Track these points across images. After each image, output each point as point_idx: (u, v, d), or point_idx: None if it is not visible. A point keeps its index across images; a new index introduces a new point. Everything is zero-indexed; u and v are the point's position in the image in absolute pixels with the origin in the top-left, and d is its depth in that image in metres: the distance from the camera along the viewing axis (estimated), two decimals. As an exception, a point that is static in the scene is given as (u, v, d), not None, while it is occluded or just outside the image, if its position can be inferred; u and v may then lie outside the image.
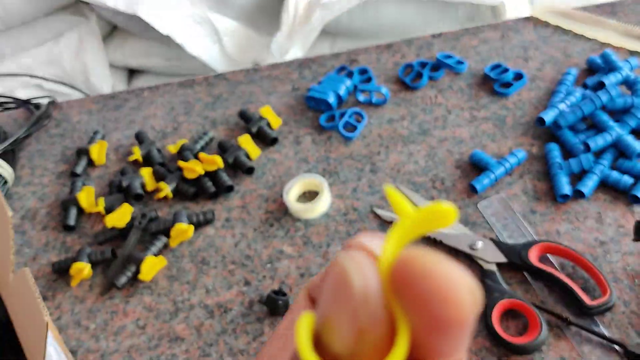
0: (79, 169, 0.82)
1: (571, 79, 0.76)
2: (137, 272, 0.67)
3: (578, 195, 0.64)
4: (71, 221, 0.75)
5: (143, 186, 0.78)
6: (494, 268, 0.59)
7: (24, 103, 0.97)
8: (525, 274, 0.59)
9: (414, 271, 0.12)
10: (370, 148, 0.76)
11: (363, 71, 0.85)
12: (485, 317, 0.55)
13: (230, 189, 0.75)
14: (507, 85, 0.78)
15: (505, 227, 0.63)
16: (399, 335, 0.12)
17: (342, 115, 0.79)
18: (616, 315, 0.55)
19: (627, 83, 0.71)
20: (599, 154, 0.67)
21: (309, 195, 0.73)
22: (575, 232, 0.61)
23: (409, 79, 0.82)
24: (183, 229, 0.70)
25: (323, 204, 0.70)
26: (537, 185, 0.66)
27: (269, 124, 0.82)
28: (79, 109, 0.95)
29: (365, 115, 0.79)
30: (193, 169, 0.75)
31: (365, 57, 0.89)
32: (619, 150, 0.66)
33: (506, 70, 0.79)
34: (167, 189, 0.75)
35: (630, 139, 0.65)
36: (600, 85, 0.70)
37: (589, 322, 0.55)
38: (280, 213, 0.72)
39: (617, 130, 0.66)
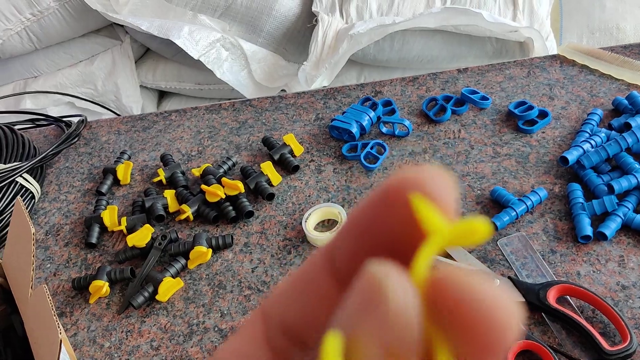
0: (104, 188, 0.84)
1: (596, 119, 0.75)
2: (155, 292, 0.68)
3: (600, 237, 0.63)
4: (93, 239, 0.76)
5: (165, 208, 0.79)
6: (511, 307, 0.58)
7: (56, 120, 0.99)
8: (543, 315, 0.58)
9: (460, 290, 0.11)
10: (392, 180, 0.76)
11: (387, 103, 0.86)
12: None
13: (250, 214, 0.76)
14: (532, 122, 0.78)
15: (524, 266, 0.63)
16: (437, 356, 0.11)
17: (365, 146, 0.80)
18: (635, 362, 0.54)
19: (654, 125, 0.71)
20: (622, 196, 0.66)
21: (328, 224, 0.73)
22: (596, 274, 0.61)
23: (432, 113, 0.82)
24: (202, 252, 0.70)
25: (341, 233, 0.70)
26: (558, 224, 0.66)
27: (291, 152, 0.82)
28: (108, 128, 0.97)
29: (387, 147, 0.79)
30: (215, 193, 0.76)
31: (390, 88, 0.89)
32: (644, 193, 0.65)
33: (531, 107, 0.79)
34: (188, 212, 0.76)
35: (655, 182, 0.64)
36: (627, 127, 0.70)
37: (607, 368, 0.53)
38: (299, 240, 0.72)
39: (641, 173, 0.65)
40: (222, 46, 1.28)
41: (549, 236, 0.65)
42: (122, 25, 1.40)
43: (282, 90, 1.30)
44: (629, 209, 0.64)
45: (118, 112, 1.39)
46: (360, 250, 0.14)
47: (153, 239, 0.73)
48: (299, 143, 0.84)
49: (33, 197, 0.85)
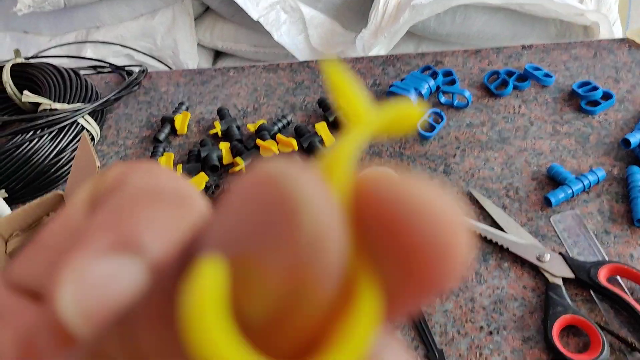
0: (161, 136, 0.86)
1: (664, 105, 0.73)
2: (205, 238, 0.70)
3: (657, 222, 0.62)
4: (149, 183, 0.79)
5: (220, 159, 0.80)
6: (559, 282, 0.58)
7: (117, 69, 1.01)
8: (592, 292, 0.58)
9: (394, 200, 0.08)
10: (446, 150, 0.76)
11: (448, 73, 0.85)
12: (545, 330, 0.55)
13: (302, 172, 0.76)
14: (595, 103, 0.76)
15: (576, 244, 0.62)
16: (361, 294, 0.08)
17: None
18: (684, 347, 0.53)
19: None
20: (685, 183, 0.64)
21: (379, 188, 0.74)
22: (650, 258, 0.60)
23: (493, 86, 0.81)
24: (253, 204, 0.72)
25: (392, 197, 0.70)
26: (615, 206, 0.65)
27: (347, 115, 0.83)
28: (168, 80, 0.99)
29: (444, 117, 0.79)
30: (269, 148, 0.77)
31: (451, 59, 0.89)
32: None
33: (595, 88, 0.77)
34: (242, 164, 0.77)
35: None
36: (695, 114, 0.68)
37: (654, 351, 0.53)
38: (349, 202, 0.72)
39: None
40: (281, 9, 1.28)
41: (604, 217, 0.64)
42: (184, -18, 1.41)
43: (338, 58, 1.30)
44: (691, 197, 0.62)
45: (174, 68, 1.41)
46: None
47: (206, 188, 0.75)
48: (355, 107, 0.84)
49: (93, 138, 0.87)
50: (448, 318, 0.59)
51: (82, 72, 1.02)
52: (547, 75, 0.81)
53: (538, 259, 0.60)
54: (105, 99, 0.89)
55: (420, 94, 0.81)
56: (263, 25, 1.25)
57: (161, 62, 1.39)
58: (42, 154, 0.82)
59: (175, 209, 0.11)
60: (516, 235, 0.63)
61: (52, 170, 0.83)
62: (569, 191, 0.65)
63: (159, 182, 0.11)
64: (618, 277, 0.58)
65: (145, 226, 0.10)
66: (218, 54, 1.55)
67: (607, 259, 0.60)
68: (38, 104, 0.87)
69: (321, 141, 0.79)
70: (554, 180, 0.68)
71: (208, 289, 0.07)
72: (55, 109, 0.84)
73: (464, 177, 0.72)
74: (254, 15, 1.24)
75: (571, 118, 0.76)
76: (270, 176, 0.08)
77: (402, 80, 0.84)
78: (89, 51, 1.40)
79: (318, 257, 0.07)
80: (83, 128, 0.86)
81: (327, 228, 0.07)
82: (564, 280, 0.58)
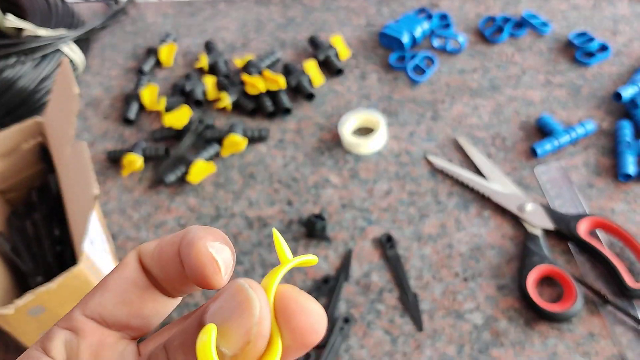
0: (146, 67, 0.84)
1: (660, 60, 0.72)
2: (186, 173, 0.69)
3: (642, 177, 0.62)
4: (132, 115, 0.77)
5: (205, 94, 0.78)
6: (538, 233, 0.58)
7: (104, -4, 0.98)
8: (570, 245, 0.58)
9: (292, 307, 0.16)
10: (436, 95, 0.74)
11: (443, 17, 0.83)
12: (520, 279, 0.55)
13: (288, 111, 0.75)
14: (590, 55, 0.75)
15: (559, 196, 0.62)
16: (274, 345, 0.16)
17: (413, 57, 0.78)
18: (656, 302, 0.53)
19: None
20: (673, 140, 0.63)
21: (365, 132, 0.72)
22: (631, 213, 0.59)
23: (488, 32, 0.79)
24: (236, 141, 0.71)
25: (377, 141, 0.69)
26: (601, 160, 0.64)
27: (337, 54, 0.81)
28: (155, 10, 0.96)
29: (436, 61, 0.77)
30: (255, 84, 0.75)
31: (447, 3, 0.86)
32: (696, 140, 0.63)
33: (591, 39, 0.75)
34: (227, 100, 0.76)
35: None
36: (691, 70, 0.67)
37: (627, 305, 0.53)
38: (333, 144, 0.71)
39: (698, 119, 0.62)
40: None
41: (589, 170, 0.63)
42: None
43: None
44: (678, 154, 0.62)
45: None
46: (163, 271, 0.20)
47: (190, 122, 0.73)
48: (346, 47, 0.82)
49: (76, 67, 0.85)
50: (424, 263, 0.59)
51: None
52: (544, 24, 0.79)
53: (519, 209, 0.60)
54: (90, 27, 0.87)
55: (413, 37, 0.79)
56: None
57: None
58: (24, 80, 0.80)
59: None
60: (499, 185, 0.63)
61: (35, 98, 0.81)
62: (556, 142, 0.65)
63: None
64: (597, 231, 0.58)
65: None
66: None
67: (588, 212, 0.60)
68: (21, 30, 0.85)
69: (309, 81, 0.77)
70: (542, 131, 0.67)
71: (208, 338, 0.16)
72: (39, 35, 0.82)
73: (451, 124, 0.71)
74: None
75: (565, 69, 0.74)
76: (241, 286, 0.17)
77: (396, 21, 0.81)
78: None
79: (260, 326, 0.16)
80: (66, 56, 0.83)
81: (264, 314, 0.16)
82: (544, 231, 0.58)
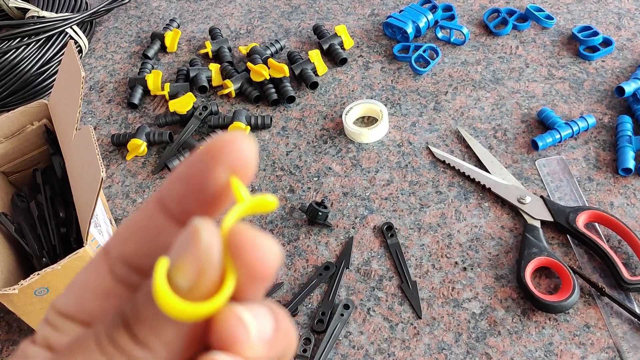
0: (150, 52, 0.84)
1: (662, 55, 0.72)
2: (190, 159, 0.69)
3: (641, 172, 0.62)
4: (136, 100, 0.77)
5: (209, 80, 0.79)
6: (537, 224, 0.59)
7: (108, -21, 0.98)
8: (569, 237, 0.58)
9: (243, 241, 0.17)
10: (438, 86, 0.75)
11: (447, 8, 0.83)
12: (519, 270, 0.55)
13: (292, 99, 0.75)
14: (593, 49, 0.75)
15: (558, 189, 0.62)
16: (227, 280, 0.17)
17: (417, 48, 0.78)
18: (651, 295, 0.54)
19: None
20: (673, 135, 0.64)
21: (367, 121, 0.73)
22: (630, 208, 0.60)
23: (492, 25, 0.79)
24: (240, 128, 0.71)
25: (380, 131, 0.70)
26: (601, 154, 0.65)
27: (341, 44, 0.81)
28: (160, -5, 0.96)
29: (440, 53, 0.77)
30: (260, 72, 0.76)
31: (452, -6, 0.86)
32: (696, 136, 0.63)
33: (595, 33, 0.75)
34: (231, 87, 0.76)
35: None
36: (693, 66, 0.67)
37: (623, 297, 0.54)
38: (336, 132, 0.72)
39: (698, 115, 0.63)
40: None
41: (589, 164, 0.64)
42: None
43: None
44: (677, 149, 0.62)
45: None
46: (185, 195, 0.19)
47: (194, 108, 0.74)
48: (350, 36, 0.82)
49: (80, 50, 0.85)
50: (424, 252, 0.59)
51: (72, -20, 0.99)
52: (549, 17, 0.79)
53: (519, 200, 0.61)
54: (94, 9, 0.87)
55: (417, 28, 0.79)
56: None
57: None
58: (28, 62, 0.80)
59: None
60: (499, 176, 0.64)
61: (38, 80, 0.81)
62: (557, 136, 0.65)
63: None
64: (596, 224, 0.59)
65: None
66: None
67: (587, 205, 0.61)
68: (25, 11, 0.85)
69: (313, 69, 0.78)
70: (543, 124, 0.68)
71: (159, 268, 0.16)
72: (43, 17, 0.82)
73: (453, 115, 0.71)
74: None
75: (568, 63, 0.74)
76: (194, 225, 0.17)
77: (400, 11, 0.81)
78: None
79: (209, 254, 0.16)
80: (71, 39, 0.83)
81: (212, 243, 0.17)
82: (543, 223, 0.59)
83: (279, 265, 0.18)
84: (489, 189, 0.63)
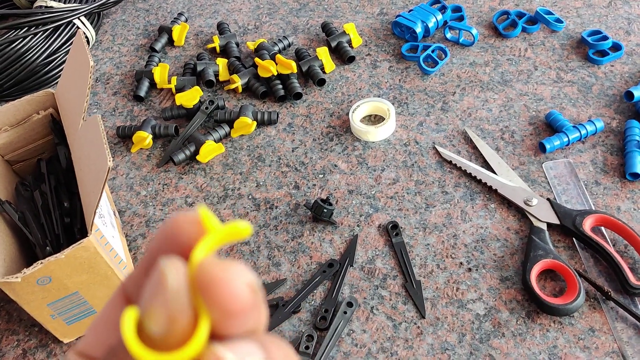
0: (158, 45, 0.84)
1: (672, 61, 0.72)
2: (196, 153, 0.69)
3: (649, 177, 0.62)
4: (142, 92, 0.77)
5: (216, 75, 0.78)
6: (544, 227, 0.58)
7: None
8: (575, 240, 0.58)
9: (210, 277, 0.16)
10: (446, 87, 0.74)
11: (457, 9, 0.83)
12: (524, 272, 0.55)
13: (298, 96, 0.75)
14: (602, 53, 0.75)
15: (565, 192, 0.62)
16: (202, 321, 0.16)
17: (426, 48, 0.78)
18: (657, 300, 0.54)
19: None
20: (681, 141, 0.64)
21: (374, 120, 0.73)
22: (637, 212, 0.60)
23: (502, 26, 0.79)
24: (246, 123, 0.71)
25: (386, 129, 0.69)
26: (609, 158, 0.64)
27: (349, 42, 0.81)
28: (168, -11, 0.95)
29: (448, 53, 0.77)
30: (267, 68, 0.75)
31: (462, -5, 0.86)
32: None
33: (605, 38, 0.75)
34: (238, 82, 0.76)
35: None
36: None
37: (629, 302, 0.54)
38: (342, 130, 0.72)
39: None
40: None
41: (597, 168, 0.64)
42: None
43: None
44: (686, 155, 0.62)
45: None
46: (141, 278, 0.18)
47: (200, 102, 0.73)
48: (359, 35, 0.82)
49: (87, 42, 0.85)
50: (429, 251, 0.59)
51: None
52: (558, 21, 0.79)
53: (525, 202, 0.61)
54: (102, 1, 0.86)
55: (426, 28, 0.79)
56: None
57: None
58: (35, 52, 0.80)
59: None
60: (506, 178, 0.63)
61: (44, 70, 0.81)
62: (565, 139, 0.65)
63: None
64: (602, 228, 0.59)
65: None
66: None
67: (594, 209, 0.60)
68: (33, 0, 0.84)
69: (321, 66, 0.77)
70: (551, 127, 0.68)
71: (128, 319, 0.16)
72: (51, 7, 0.82)
73: (460, 116, 0.71)
74: None
75: (576, 66, 0.74)
76: (160, 266, 0.16)
77: (409, 11, 0.81)
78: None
79: (177, 299, 0.16)
80: (78, 29, 0.83)
81: (178, 287, 0.16)
82: (549, 225, 0.59)
83: (253, 297, 0.16)
84: (496, 190, 0.63)
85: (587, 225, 0.57)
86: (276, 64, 0.76)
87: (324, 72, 0.78)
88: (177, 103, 0.73)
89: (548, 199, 0.61)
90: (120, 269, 0.55)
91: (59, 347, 0.57)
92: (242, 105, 0.73)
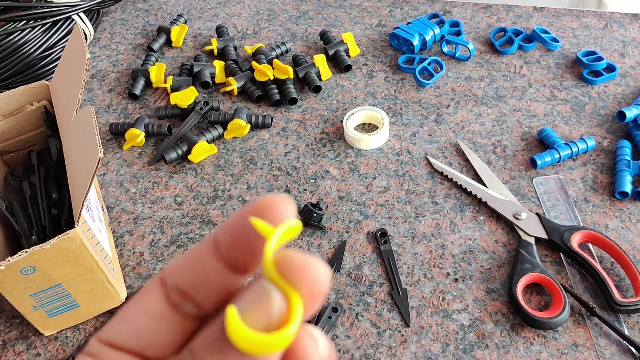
0: (155, 45, 0.84)
1: (664, 85, 0.73)
2: (188, 152, 0.69)
3: (637, 197, 0.62)
4: (137, 90, 0.77)
5: (212, 76, 0.79)
6: (532, 241, 0.58)
7: (119, -29, 0.98)
8: (562, 255, 0.58)
9: (295, 266, 0.18)
10: (441, 99, 0.75)
11: (454, 24, 0.83)
12: (510, 285, 0.55)
13: (294, 101, 0.75)
14: (596, 74, 0.75)
15: (554, 207, 0.62)
16: (296, 304, 0.18)
17: (422, 60, 0.78)
18: (641, 319, 0.54)
19: None
20: (671, 163, 0.64)
21: (368, 128, 0.73)
22: (624, 231, 0.60)
23: (498, 43, 0.80)
24: (240, 125, 0.71)
25: (380, 138, 0.70)
26: (598, 177, 0.65)
27: (347, 51, 0.81)
28: (169, -10, 0.96)
29: (444, 67, 0.77)
30: (264, 72, 0.75)
31: (460, 11, 0.87)
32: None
33: (600, 59, 0.76)
34: (234, 85, 0.76)
35: None
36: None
37: (613, 319, 0.54)
38: (336, 137, 0.72)
39: (697, 145, 0.63)
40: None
41: (586, 185, 0.64)
42: None
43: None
44: (675, 177, 0.62)
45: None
46: (233, 246, 0.20)
47: (195, 103, 0.73)
48: (356, 45, 0.82)
49: (85, 38, 0.85)
50: (417, 260, 0.59)
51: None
52: (555, 40, 0.80)
53: (514, 216, 0.61)
54: (102, -1, 0.87)
55: (424, 41, 0.79)
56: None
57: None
58: (32, 45, 0.80)
59: None
60: (496, 191, 0.64)
61: (40, 64, 0.81)
62: (556, 155, 0.65)
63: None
64: (590, 244, 0.59)
65: None
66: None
67: (582, 225, 0.60)
68: (33, -5, 0.85)
69: (317, 74, 0.78)
70: (542, 143, 0.68)
71: (232, 312, 0.17)
72: (51, 1, 0.82)
73: (454, 129, 0.71)
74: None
75: (570, 85, 0.75)
76: (263, 284, 0.18)
77: (407, 24, 0.82)
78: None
79: (278, 317, 0.18)
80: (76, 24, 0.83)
81: (280, 304, 0.18)
82: (537, 239, 0.59)
83: (329, 283, 0.18)
84: (485, 202, 0.63)
85: (575, 241, 0.57)
86: (273, 69, 0.77)
87: (320, 79, 0.78)
88: (172, 102, 0.73)
89: (537, 214, 0.61)
90: (106, 264, 0.55)
91: (39, 340, 0.57)
92: (236, 108, 0.73)
